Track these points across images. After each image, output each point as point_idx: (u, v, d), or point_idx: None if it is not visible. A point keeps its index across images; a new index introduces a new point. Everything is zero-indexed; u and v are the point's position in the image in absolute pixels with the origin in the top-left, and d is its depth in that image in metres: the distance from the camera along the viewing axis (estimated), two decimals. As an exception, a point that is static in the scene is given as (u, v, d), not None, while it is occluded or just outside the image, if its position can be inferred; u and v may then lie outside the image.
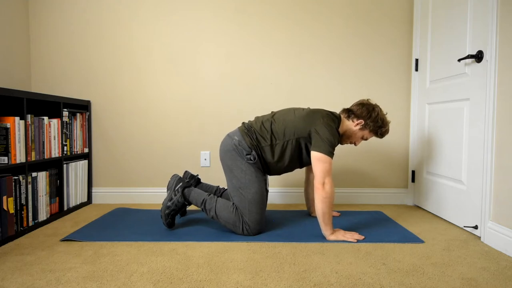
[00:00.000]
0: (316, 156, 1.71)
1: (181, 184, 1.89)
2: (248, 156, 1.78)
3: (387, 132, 1.89)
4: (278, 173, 1.90)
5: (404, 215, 2.25)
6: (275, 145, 1.80)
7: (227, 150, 1.84)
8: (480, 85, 1.78)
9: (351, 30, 2.52)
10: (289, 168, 1.89)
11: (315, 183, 1.70)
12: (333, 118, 1.81)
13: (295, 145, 1.80)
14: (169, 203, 1.84)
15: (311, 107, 1.90)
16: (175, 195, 1.86)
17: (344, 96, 2.54)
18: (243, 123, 1.91)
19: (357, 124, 1.84)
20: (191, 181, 2.06)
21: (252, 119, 2.53)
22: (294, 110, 1.87)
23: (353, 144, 2.01)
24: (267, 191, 1.89)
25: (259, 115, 2.53)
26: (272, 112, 1.93)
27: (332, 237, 1.73)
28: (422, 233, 1.87)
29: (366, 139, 1.91)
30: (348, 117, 1.87)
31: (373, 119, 1.83)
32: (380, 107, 1.86)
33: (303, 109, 1.87)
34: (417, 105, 2.45)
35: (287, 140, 1.79)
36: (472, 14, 1.85)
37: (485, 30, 1.74)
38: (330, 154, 1.71)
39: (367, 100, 1.89)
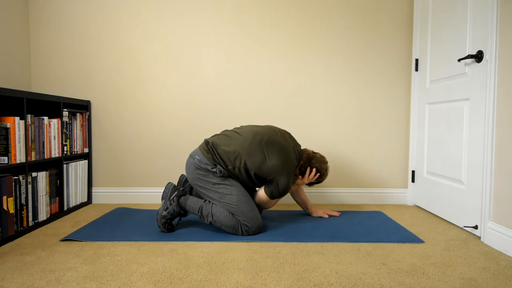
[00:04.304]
0: (264, 193, 1.87)
1: (176, 193, 1.87)
2: (214, 170, 1.81)
3: (326, 174, 2.11)
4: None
5: (404, 215, 2.25)
6: (236, 167, 1.83)
7: (191, 171, 1.85)
8: (480, 85, 1.78)
9: (351, 30, 2.52)
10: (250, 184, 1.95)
11: (260, 191, 1.89)
12: (295, 168, 1.93)
13: (255, 175, 1.85)
14: (164, 213, 1.83)
15: (286, 149, 1.86)
16: (171, 204, 1.84)
17: (344, 96, 2.54)
18: (205, 140, 1.92)
19: (304, 178, 2.04)
20: (187, 184, 2.04)
21: (251, 119, 2.53)
22: (269, 146, 1.83)
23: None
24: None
25: (259, 115, 2.54)
26: (242, 131, 1.90)
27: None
28: (422, 233, 1.87)
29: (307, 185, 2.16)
30: (301, 168, 2.02)
31: (316, 179, 2.06)
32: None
33: (276, 148, 1.83)
34: (417, 105, 2.45)
35: (247, 170, 1.83)
36: (472, 14, 1.85)
37: (485, 30, 1.74)
38: (279, 197, 1.89)
39: (326, 168, 2.06)
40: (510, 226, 1.56)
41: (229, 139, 1.86)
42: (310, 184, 2.10)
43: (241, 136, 1.86)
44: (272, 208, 2.38)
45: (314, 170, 2.01)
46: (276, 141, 1.85)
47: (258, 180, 1.87)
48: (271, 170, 1.81)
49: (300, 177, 2.04)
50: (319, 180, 2.08)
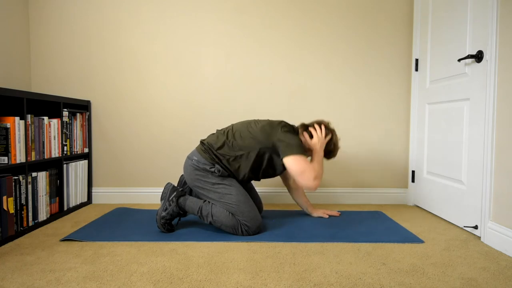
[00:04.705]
0: (288, 161, 1.76)
1: (175, 193, 1.86)
2: (212, 170, 1.81)
3: (334, 157, 2.00)
4: (244, 181, 1.92)
5: (404, 215, 2.25)
6: (237, 156, 1.82)
7: (190, 172, 1.86)
8: (480, 85, 1.78)
9: (351, 30, 2.52)
10: (250, 178, 1.91)
11: (300, 184, 1.77)
12: (290, 129, 1.86)
13: (257, 156, 1.82)
14: (163, 213, 1.82)
15: (270, 119, 1.95)
16: (170, 205, 1.84)
17: (345, 96, 2.54)
18: (200, 141, 1.93)
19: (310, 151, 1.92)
20: (187, 185, 2.04)
21: (252, 118, 2.53)
22: (253, 122, 1.91)
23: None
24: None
25: (259, 115, 2.54)
26: (231, 125, 1.96)
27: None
28: (422, 233, 1.87)
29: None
30: (305, 131, 1.93)
31: (326, 142, 1.93)
32: (336, 133, 2.05)
33: (261, 120, 1.91)
34: (417, 105, 2.45)
35: (248, 152, 1.82)
36: (472, 14, 1.85)
37: (485, 30, 1.74)
38: (302, 152, 1.77)
39: (328, 123, 1.96)
40: (510, 226, 1.56)
41: (223, 135, 1.89)
42: (328, 154, 1.97)
43: (232, 130, 1.90)
44: (271, 208, 2.38)
45: (316, 126, 1.91)
46: (262, 119, 1.93)
47: (265, 161, 1.84)
48: (263, 131, 1.81)
49: (310, 139, 1.90)
50: (332, 141, 1.93)
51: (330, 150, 1.95)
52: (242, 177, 1.88)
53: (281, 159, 1.79)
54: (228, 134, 1.87)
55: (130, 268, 1.40)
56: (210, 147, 1.85)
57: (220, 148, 1.84)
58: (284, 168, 1.87)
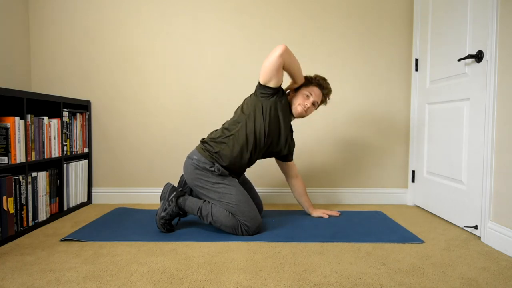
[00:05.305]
0: (260, 73, 1.80)
1: (174, 193, 1.86)
2: (212, 169, 1.82)
3: (323, 78, 1.96)
4: (248, 165, 1.93)
5: (404, 215, 2.25)
6: (238, 130, 1.83)
7: (190, 172, 1.86)
8: (480, 85, 1.78)
9: (351, 30, 2.52)
10: (252, 157, 1.90)
11: (277, 57, 1.72)
12: None
13: (255, 118, 1.82)
14: (163, 214, 1.82)
15: None
16: (169, 205, 1.84)
17: (344, 96, 2.54)
18: (200, 140, 1.95)
19: (293, 84, 1.94)
20: (187, 185, 2.04)
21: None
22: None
23: (308, 111, 1.96)
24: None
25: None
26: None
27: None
28: (422, 233, 1.87)
29: (311, 95, 1.92)
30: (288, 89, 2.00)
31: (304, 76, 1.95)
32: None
33: None
34: (417, 105, 2.45)
35: (245, 120, 1.83)
36: (472, 14, 1.85)
37: (485, 30, 1.74)
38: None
39: None
40: (510, 226, 1.56)
41: (220, 127, 1.92)
42: (310, 81, 1.95)
43: (226, 121, 1.94)
44: (271, 208, 2.38)
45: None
46: None
47: (264, 116, 1.84)
48: (247, 100, 1.89)
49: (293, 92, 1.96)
50: (311, 78, 1.95)
51: (310, 76, 1.95)
52: (253, 145, 1.85)
53: (262, 86, 1.81)
54: (224, 124, 1.92)
55: (130, 268, 1.40)
56: (212, 140, 1.87)
57: (220, 136, 1.86)
58: (288, 119, 1.92)
